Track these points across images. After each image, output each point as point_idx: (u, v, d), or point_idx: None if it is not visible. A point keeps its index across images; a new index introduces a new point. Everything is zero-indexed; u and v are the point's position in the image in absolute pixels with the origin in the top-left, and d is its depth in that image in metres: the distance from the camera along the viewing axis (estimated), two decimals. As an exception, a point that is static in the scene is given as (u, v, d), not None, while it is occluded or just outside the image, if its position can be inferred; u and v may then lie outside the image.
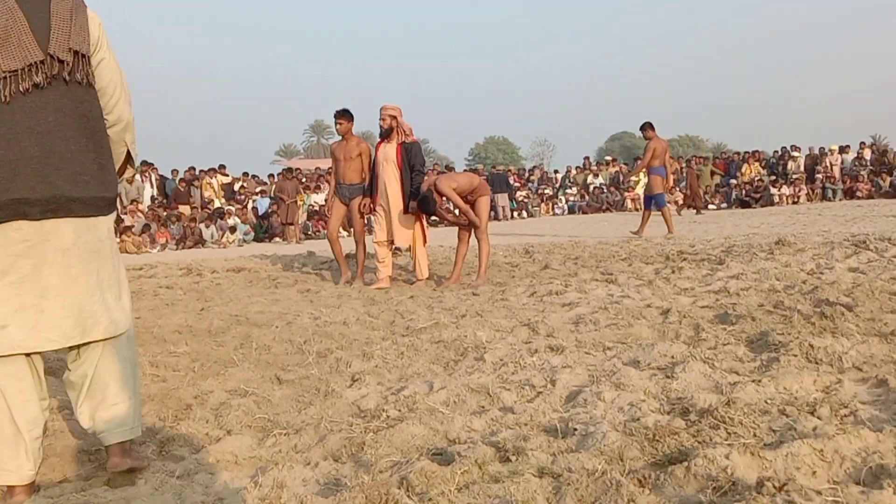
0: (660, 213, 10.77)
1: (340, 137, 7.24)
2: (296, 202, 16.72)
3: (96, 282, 2.16)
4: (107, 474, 2.24)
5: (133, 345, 2.33)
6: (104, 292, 2.18)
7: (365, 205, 6.98)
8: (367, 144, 7.28)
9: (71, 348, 2.18)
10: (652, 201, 10.87)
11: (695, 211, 18.67)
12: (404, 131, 6.64)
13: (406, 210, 6.61)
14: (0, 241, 2.06)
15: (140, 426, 2.29)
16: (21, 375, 2.09)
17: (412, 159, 6.56)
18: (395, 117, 6.64)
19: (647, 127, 10.88)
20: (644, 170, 11.29)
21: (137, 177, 18.41)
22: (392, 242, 6.83)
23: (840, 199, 20.06)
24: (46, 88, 2.09)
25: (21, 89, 2.06)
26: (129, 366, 2.27)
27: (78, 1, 2.20)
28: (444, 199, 6.41)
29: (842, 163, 21.76)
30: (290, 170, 18.90)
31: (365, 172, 7.10)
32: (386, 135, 6.69)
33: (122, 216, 16.17)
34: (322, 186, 19.19)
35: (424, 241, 6.80)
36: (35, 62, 2.07)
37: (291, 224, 16.56)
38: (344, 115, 7.10)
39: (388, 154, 6.66)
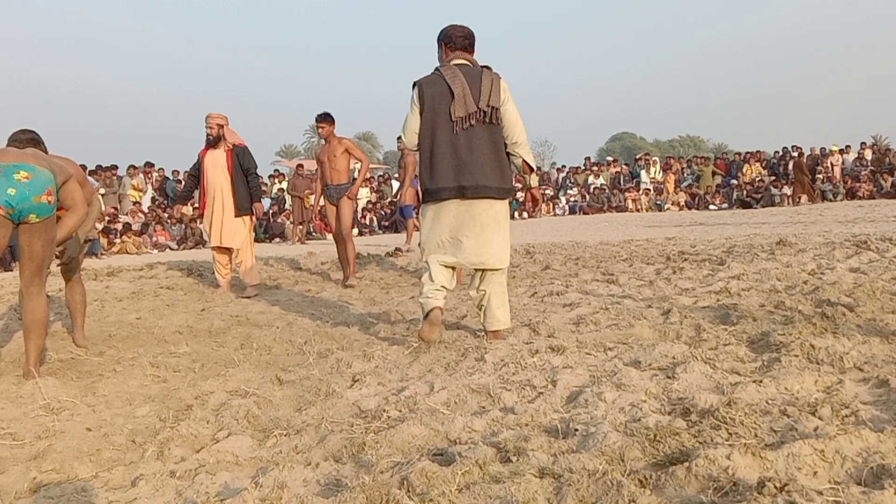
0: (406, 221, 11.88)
1: (323, 141, 7.25)
2: (308, 199, 16.48)
3: (489, 237, 3.74)
4: (109, 473, 2.29)
5: (505, 275, 3.95)
6: (494, 243, 3.76)
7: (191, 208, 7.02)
8: (349, 139, 7.29)
9: (476, 271, 3.86)
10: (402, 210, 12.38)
11: (809, 201, 19.29)
12: (228, 139, 6.70)
13: (238, 213, 6.67)
14: (445, 209, 3.76)
15: (508, 323, 3.94)
16: (446, 272, 3.82)
17: (244, 163, 6.67)
18: (221, 125, 6.68)
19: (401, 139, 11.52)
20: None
21: (140, 177, 18.45)
22: (229, 249, 6.83)
23: (841, 200, 20.04)
24: (476, 126, 3.71)
25: (464, 127, 3.70)
26: (502, 288, 3.88)
27: (496, 75, 3.78)
28: None
29: (843, 163, 21.74)
30: (301, 166, 18.44)
31: (352, 168, 7.17)
32: (213, 142, 6.71)
33: (123, 216, 16.18)
34: None
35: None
36: (471, 112, 3.69)
37: (302, 223, 16.36)
38: (325, 118, 7.10)
39: (218, 160, 6.69)
